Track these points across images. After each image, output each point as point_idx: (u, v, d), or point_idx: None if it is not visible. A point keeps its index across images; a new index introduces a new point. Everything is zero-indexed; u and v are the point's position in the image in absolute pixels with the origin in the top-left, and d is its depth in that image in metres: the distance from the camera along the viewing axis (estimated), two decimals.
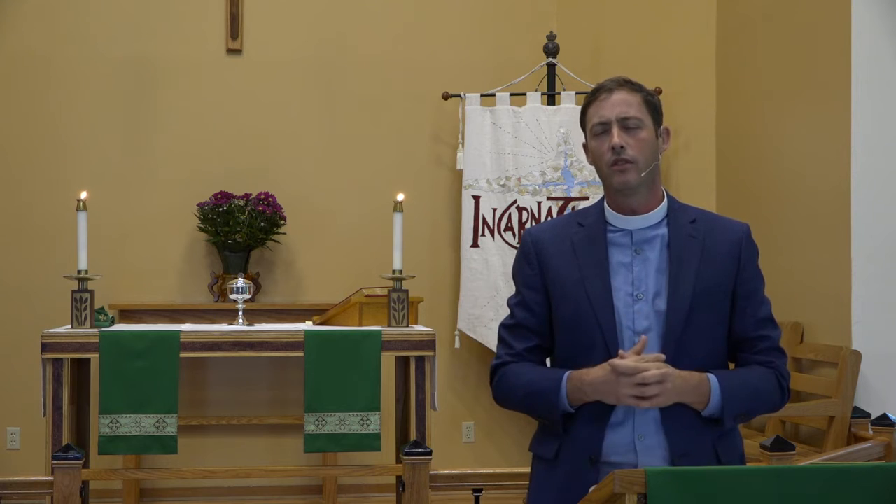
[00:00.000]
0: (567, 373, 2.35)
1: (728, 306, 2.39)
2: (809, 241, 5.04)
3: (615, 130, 2.36)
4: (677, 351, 2.32)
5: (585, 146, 2.47)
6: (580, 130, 6.27)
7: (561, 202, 5.64)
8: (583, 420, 2.35)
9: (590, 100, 2.43)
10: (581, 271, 2.40)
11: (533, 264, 2.48)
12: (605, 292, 2.37)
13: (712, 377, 2.31)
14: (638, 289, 2.37)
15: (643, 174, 2.37)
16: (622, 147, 2.35)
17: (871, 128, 4.66)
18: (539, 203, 5.64)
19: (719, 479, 2.04)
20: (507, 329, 2.52)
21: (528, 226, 5.63)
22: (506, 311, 5.86)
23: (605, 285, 2.37)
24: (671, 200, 2.46)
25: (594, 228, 2.44)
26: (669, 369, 2.25)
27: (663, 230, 2.41)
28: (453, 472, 3.62)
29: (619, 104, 2.38)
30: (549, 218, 5.60)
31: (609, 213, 2.44)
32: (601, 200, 2.49)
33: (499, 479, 3.60)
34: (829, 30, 4.83)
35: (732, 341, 2.42)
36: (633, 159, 2.36)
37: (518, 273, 2.52)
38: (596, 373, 2.29)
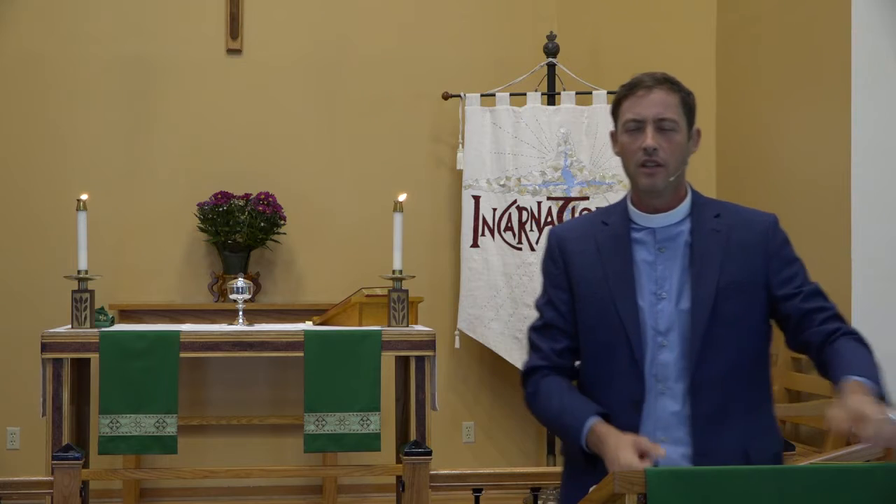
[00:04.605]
0: (591, 421, 2.29)
1: (761, 298, 2.35)
2: (809, 241, 5.02)
3: (649, 131, 2.33)
4: (703, 347, 2.29)
5: (613, 136, 2.44)
6: (580, 130, 6.26)
7: (561, 202, 5.63)
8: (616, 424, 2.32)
9: (626, 93, 2.39)
10: (605, 270, 2.38)
11: (558, 263, 2.46)
12: (629, 292, 2.35)
13: (852, 377, 2.18)
14: (661, 287, 2.35)
15: (671, 178, 2.35)
16: (655, 149, 2.32)
17: (871, 128, 4.66)
18: (539, 203, 5.64)
19: (719, 479, 2.03)
20: (536, 331, 2.49)
21: (527, 226, 5.63)
22: (506, 311, 5.85)
23: (629, 285, 2.35)
24: (695, 196, 2.44)
25: (618, 227, 2.42)
26: None
27: (687, 227, 2.39)
28: (453, 472, 3.62)
29: (657, 104, 2.34)
30: (549, 218, 5.61)
31: (632, 211, 2.42)
32: (625, 198, 2.46)
33: (499, 479, 3.60)
34: (829, 30, 4.83)
35: (792, 327, 2.35)
36: (664, 162, 2.33)
37: (544, 273, 2.50)
38: (620, 445, 2.21)
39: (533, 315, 6.05)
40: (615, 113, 2.42)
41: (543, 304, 2.49)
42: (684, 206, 2.41)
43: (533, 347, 2.49)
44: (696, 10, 6.05)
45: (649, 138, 2.32)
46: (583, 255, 2.43)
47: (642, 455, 2.16)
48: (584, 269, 2.41)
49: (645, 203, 2.40)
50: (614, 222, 2.43)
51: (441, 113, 5.93)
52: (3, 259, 5.75)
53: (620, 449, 2.19)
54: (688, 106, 2.38)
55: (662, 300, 2.34)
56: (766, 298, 2.36)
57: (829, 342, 2.31)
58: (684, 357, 2.31)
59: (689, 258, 2.36)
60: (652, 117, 2.34)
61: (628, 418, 2.32)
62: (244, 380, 5.76)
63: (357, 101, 5.98)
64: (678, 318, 2.33)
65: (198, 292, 5.84)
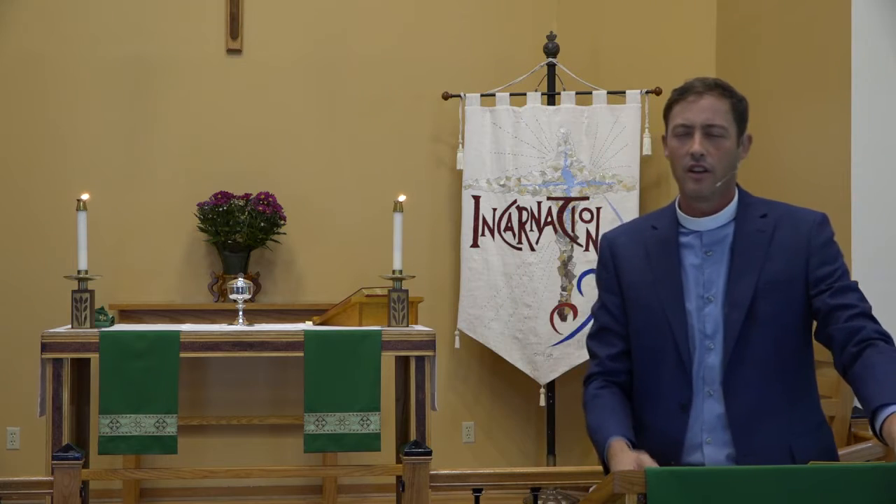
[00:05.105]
0: (611, 440, 2.34)
1: (801, 295, 2.36)
2: None
3: (697, 136, 2.35)
4: (739, 348, 2.32)
5: (664, 139, 2.47)
6: (580, 130, 6.26)
7: (561, 202, 5.63)
8: (660, 426, 2.36)
9: (676, 97, 2.42)
10: (654, 275, 2.42)
11: (609, 268, 2.51)
12: (677, 296, 2.38)
13: (892, 407, 2.11)
14: (708, 291, 2.38)
15: (718, 184, 2.37)
16: (702, 155, 2.34)
17: (871, 128, 4.66)
18: (539, 203, 5.64)
19: (719, 479, 2.04)
20: (592, 338, 2.55)
21: (527, 226, 5.64)
22: (506, 311, 5.85)
23: (677, 289, 2.39)
24: (743, 196, 2.46)
25: (667, 231, 2.45)
26: None
27: (732, 229, 2.42)
28: (453, 472, 3.62)
29: (707, 110, 2.36)
30: (549, 218, 5.61)
31: (680, 215, 2.46)
32: (674, 202, 2.50)
33: (499, 479, 3.60)
34: (829, 30, 4.83)
35: (819, 322, 2.36)
36: (711, 168, 2.35)
37: (598, 277, 2.56)
38: (623, 462, 2.26)
39: (532, 315, 6.07)
40: (666, 117, 2.46)
41: (598, 308, 2.54)
42: (730, 209, 2.43)
43: (590, 355, 2.56)
44: (696, 10, 6.05)
45: (697, 144, 2.35)
46: (632, 259, 2.47)
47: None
48: (634, 273, 2.46)
49: (692, 207, 2.43)
50: (663, 226, 2.47)
51: (441, 113, 5.93)
52: (3, 259, 5.75)
53: (622, 464, 2.24)
54: (738, 112, 2.40)
55: (709, 303, 2.37)
56: (805, 296, 2.37)
57: (855, 348, 2.27)
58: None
59: (730, 260, 2.37)
60: (701, 123, 2.36)
61: (676, 421, 2.36)
62: (244, 380, 5.76)
63: (357, 101, 5.98)
64: (723, 321, 2.36)
65: (198, 292, 5.84)
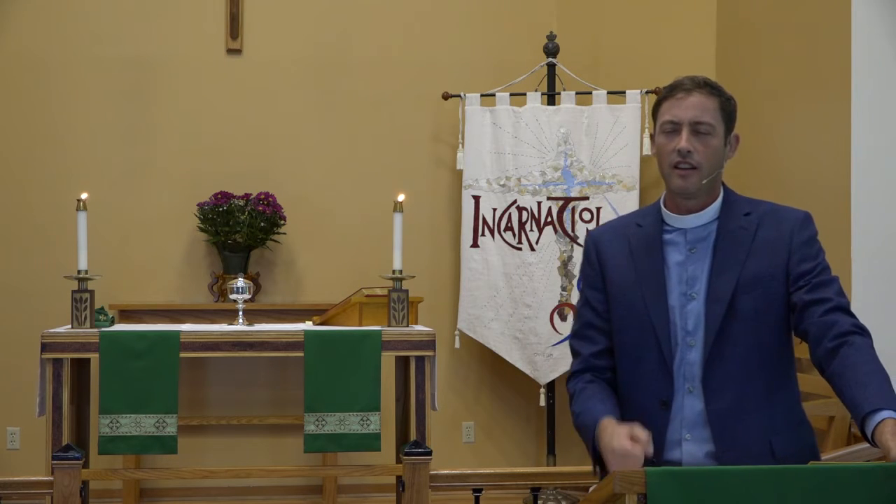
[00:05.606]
0: (602, 420, 2.34)
1: (782, 292, 2.36)
2: None
3: (685, 133, 2.37)
4: (718, 343, 2.32)
5: (652, 137, 2.49)
6: (580, 130, 6.26)
7: (561, 202, 5.63)
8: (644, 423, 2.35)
9: (665, 95, 2.43)
10: (637, 272, 2.43)
11: (593, 264, 2.52)
12: (660, 292, 2.39)
13: (884, 413, 2.08)
14: (692, 288, 2.39)
15: (704, 181, 2.38)
16: (689, 152, 2.35)
17: (871, 128, 4.66)
18: (539, 203, 5.64)
19: (719, 479, 2.03)
20: (576, 336, 2.55)
21: (527, 226, 5.64)
22: (506, 311, 5.85)
23: (660, 286, 2.39)
24: (727, 194, 2.48)
25: (651, 229, 2.46)
26: None
27: (716, 226, 2.43)
28: (453, 472, 3.63)
29: (695, 107, 2.38)
30: (549, 218, 5.61)
31: (665, 213, 2.46)
32: (659, 200, 2.51)
33: (499, 479, 3.60)
34: (829, 30, 4.83)
35: (795, 316, 2.35)
36: (698, 165, 2.37)
37: (582, 275, 2.57)
38: (617, 434, 2.25)
39: (532, 315, 6.06)
40: (655, 114, 2.47)
41: (581, 305, 2.54)
42: (715, 206, 2.45)
43: (573, 353, 2.55)
44: (696, 10, 6.04)
45: (684, 140, 2.37)
46: (616, 256, 2.48)
47: (634, 440, 2.21)
48: (617, 270, 2.46)
49: (678, 204, 2.44)
50: (647, 224, 2.48)
51: (441, 113, 5.93)
52: (3, 259, 5.75)
53: (615, 437, 2.24)
54: (726, 111, 2.43)
55: (692, 300, 2.38)
56: (786, 293, 2.38)
57: (831, 343, 2.27)
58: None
59: (713, 257, 2.38)
60: (688, 120, 2.38)
61: (658, 417, 2.36)
62: (244, 380, 5.76)
63: (357, 101, 5.98)
64: (705, 318, 2.36)
65: (198, 292, 5.84)
